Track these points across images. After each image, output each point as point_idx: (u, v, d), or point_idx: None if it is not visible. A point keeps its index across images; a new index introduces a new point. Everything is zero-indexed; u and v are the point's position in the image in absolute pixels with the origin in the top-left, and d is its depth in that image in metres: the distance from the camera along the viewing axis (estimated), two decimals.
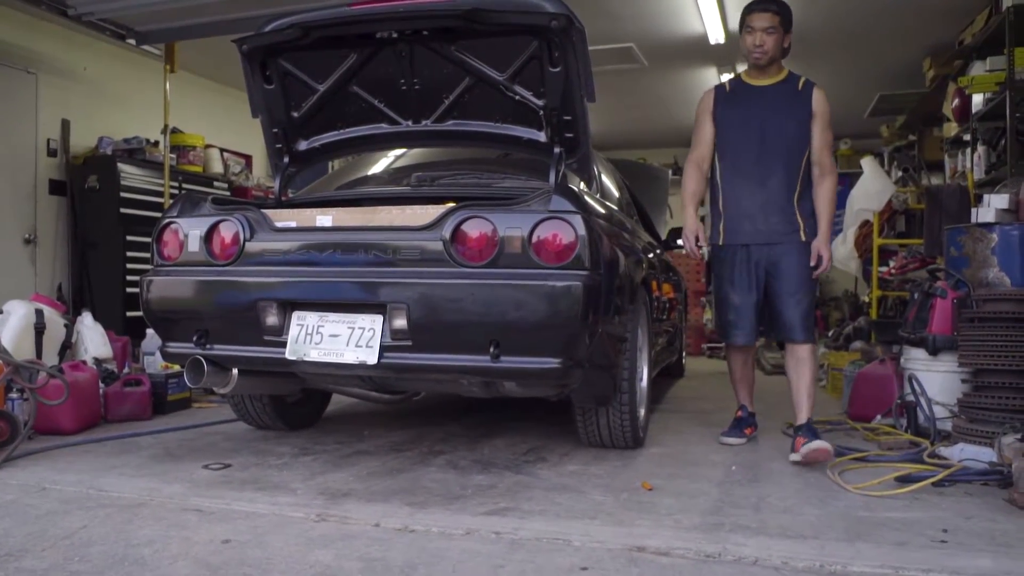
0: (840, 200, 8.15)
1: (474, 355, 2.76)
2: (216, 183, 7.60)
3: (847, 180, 10.43)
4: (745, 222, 3.61)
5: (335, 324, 2.88)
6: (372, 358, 2.81)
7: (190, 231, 3.15)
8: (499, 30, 3.05)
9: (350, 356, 2.83)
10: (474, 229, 2.79)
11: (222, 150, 7.99)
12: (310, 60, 3.36)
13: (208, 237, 3.10)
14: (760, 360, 7.35)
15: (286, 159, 3.62)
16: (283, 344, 2.94)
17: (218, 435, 3.83)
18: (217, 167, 7.81)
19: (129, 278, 6.47)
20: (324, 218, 3.03)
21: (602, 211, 3.28)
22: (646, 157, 11.64)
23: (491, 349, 2.72)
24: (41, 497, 2.72)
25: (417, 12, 3.06)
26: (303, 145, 3.62)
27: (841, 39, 6.82)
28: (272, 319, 2.96)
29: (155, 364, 4.90)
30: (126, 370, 4.81)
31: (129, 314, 6.35)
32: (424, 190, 3.46)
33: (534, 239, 2.75)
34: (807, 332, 3.50)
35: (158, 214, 6.46)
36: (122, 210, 6.50)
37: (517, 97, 3.22)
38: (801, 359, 3.52)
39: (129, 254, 6.51)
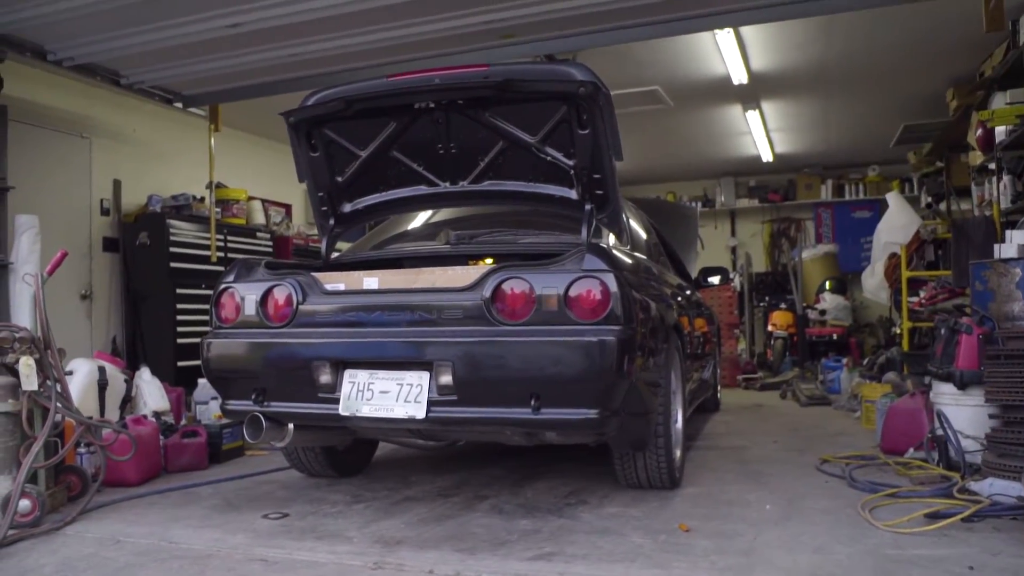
0: (870, 230, 8.25)
1: (516, 408, 2.93)
2: (259, 233, 7.91)
3: (876, 207, 10.54)
4: None
5: (385, 381, 3.07)
6: (420, 413, 2.99)
7: (246, 295, 3.37)
8: (530, 97, 3.25)
9: (400, 411, 3.01)
10: (512, 289, 2.97)
11: (263, 201, 8.31)
12: (352, 128, 3.58)
13: (263, 301, 3.32)
14: (795, 392, 7.42)
15: (331, 221, 3.85)
16: (336, 401, 3.13)
17: (273, 483, 4.02)
18: (259, 218, 8.12)
19: (180, 329, 6.76)
20: (371, 280, 3.24)
21: (633, 264, 3.45)
22: (675, 191, 11.83)
23: (532, 402, 2.89)
24: (117, 549, 2.92)
25: (453, 84, 3.27)
26: (347, 207, 3.85)
27: (862, 74, 6.96)
28: (325, 377, 3.15)
29: (208, 413, 5.13)
30: (183, 421, 5.05)
31: (180, 364, 6.62)
32: (463, 248, 3.66)
33: (569, 297, 2.92)
34: None
35: (206, 267, 6.80)
36: (172, 264, 6.82)
37: (548, 158, 3.41)
38: None
39: (179, 306, 6.81)
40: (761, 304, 11.25)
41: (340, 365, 3.16)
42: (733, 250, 11.97)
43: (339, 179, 3.74)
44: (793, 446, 4.83)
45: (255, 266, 3.47)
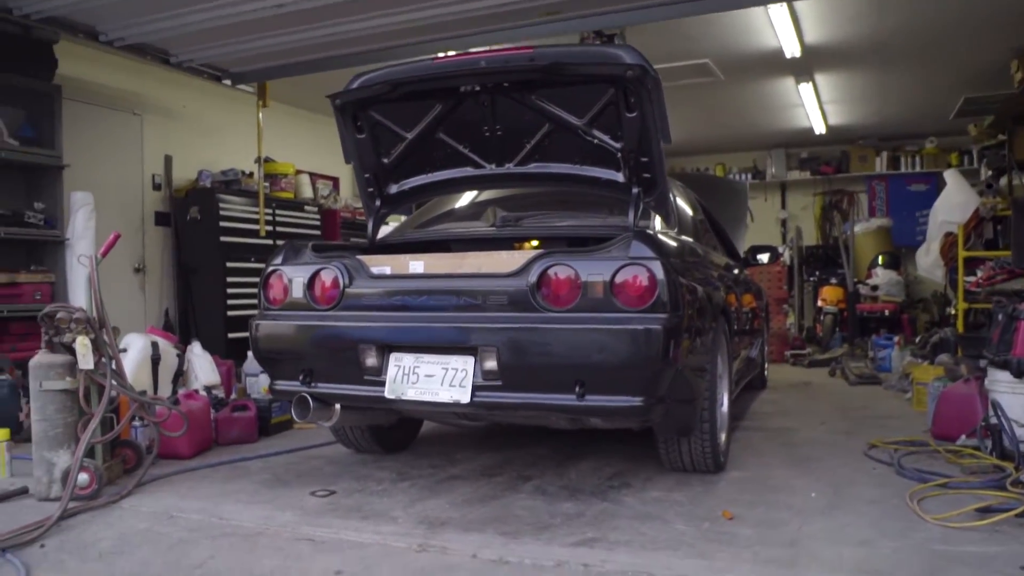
0: (926, 204, 7.98)
1: (560, 394, 2.93)
2: (307, 207, 7.99)
3: (933, 180, 10.25)
4: None
5: (430, 365, 3.09)
6: (465, 397, 3.01)
7: (294, 277, 3.41)
8: (577, 80, 3.21)
9: (444, 395, 3.04)
10: (558, 275, 2.96)
11: (311, 174, 8.38)
12: (398, 111, 3.57)
13: (310, 283, 3.36)
14: (844, 370, 7.31)
15: (378, 202, 3.86)
16: (382, 383, 3.16)
17: (321, 459, 4.09)
18: (307, 192, 8.20)
19: (230, 302, 6.89)
20: (416, 264, 3.25)
21: (679, 248, 3.41)
22: (725, 162, 11.65)
23: (576, 388, 2.89)
24: (171, 525, 3.01)
25: (499, 67, 3.24)
26: (393, 189, 3.86)
27: (921, 45, 6.74)
28: (371, 360, 3.19)
29: (257, 386, 5.23)
30: (233, 395, 5.16)
31: (231, 336, 6.76)
32: (508, 231, 3.65)
33: (615, 284, 2.90)
34: None
35: (255, 241, 6.90)
36: (221, 238, 6.93)
37: (595, 140, 3.37)
38: None
39: (229, 279, 6.93)
40: (811, 278, 11.05)
41: (386, 348, 3.19)
42: (783, 223, 11.76)
43: (385, 160, 3.74)
44: (841, 428, 4.76)
45: (302, 248, 3.51)
